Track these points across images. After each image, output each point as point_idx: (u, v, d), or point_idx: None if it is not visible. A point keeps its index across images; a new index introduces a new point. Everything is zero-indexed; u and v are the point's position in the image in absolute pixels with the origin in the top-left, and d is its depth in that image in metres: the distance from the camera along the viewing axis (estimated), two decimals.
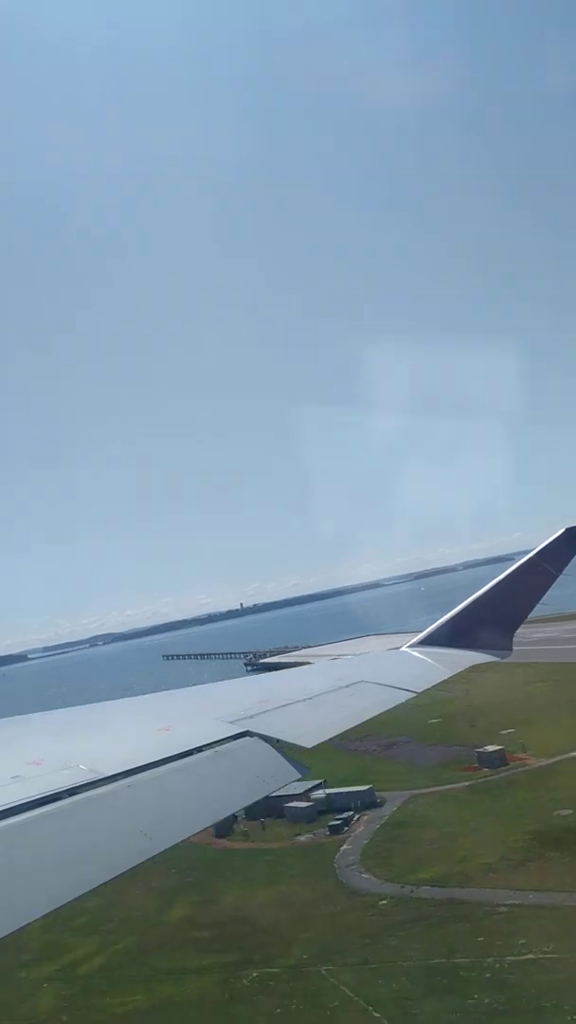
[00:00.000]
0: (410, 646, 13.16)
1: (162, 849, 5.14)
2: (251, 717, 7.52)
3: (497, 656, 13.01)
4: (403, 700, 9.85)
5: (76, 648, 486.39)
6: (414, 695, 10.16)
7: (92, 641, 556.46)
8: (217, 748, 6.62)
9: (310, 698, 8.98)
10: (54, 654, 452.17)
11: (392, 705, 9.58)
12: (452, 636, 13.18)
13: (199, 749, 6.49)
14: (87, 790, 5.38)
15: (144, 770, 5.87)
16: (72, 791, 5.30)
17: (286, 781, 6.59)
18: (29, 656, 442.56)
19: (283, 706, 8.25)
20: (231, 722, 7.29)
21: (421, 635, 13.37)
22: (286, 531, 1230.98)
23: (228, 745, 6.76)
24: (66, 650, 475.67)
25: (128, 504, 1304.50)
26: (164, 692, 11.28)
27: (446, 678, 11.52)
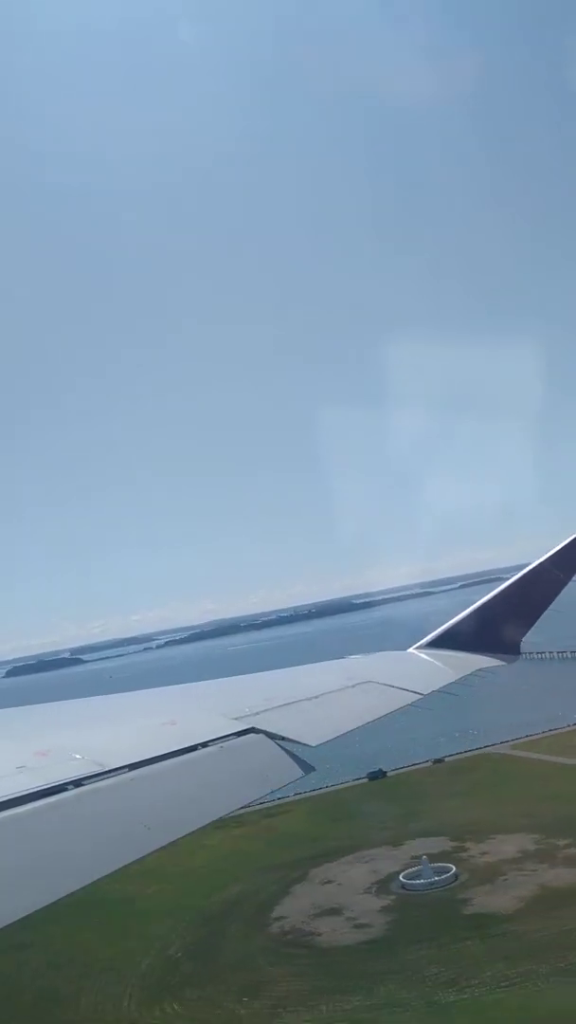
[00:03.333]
0: (417, 647, 13.13)
1: (164, 843, 5.14)
2: (257, 714, 7.46)
3: (505, 661, 12.93)
4: (409, 701, 9.74)
5: (125, 651, 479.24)
6: (421, 696, 10.03)
7: (140, 641, 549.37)
8: (222, 744, 6.57)
9: (316, 696, 8.86)
10: (107, 657, 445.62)
11: (399, 706, 9.46)
12: (460, 639, 13.15)
13: (204, 744, 6.44)
14: (91, 782, 5.35)
15: (148, 764, 5.82)
16: (76, 783, 5.28)
17: (290, 779, 6.50)
18: (83, 659, 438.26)
19: (289, 704, 8.20)
20: (236, 718, 7.24)
21: (429, 637, 13.30)
22: (286, 539, 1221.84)
23: (233, 741, 6.70)
24: (116, 653, 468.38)
25: (125, 510, 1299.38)
26: (171, 687, 10.82)
27: (453, 680, 11.43)
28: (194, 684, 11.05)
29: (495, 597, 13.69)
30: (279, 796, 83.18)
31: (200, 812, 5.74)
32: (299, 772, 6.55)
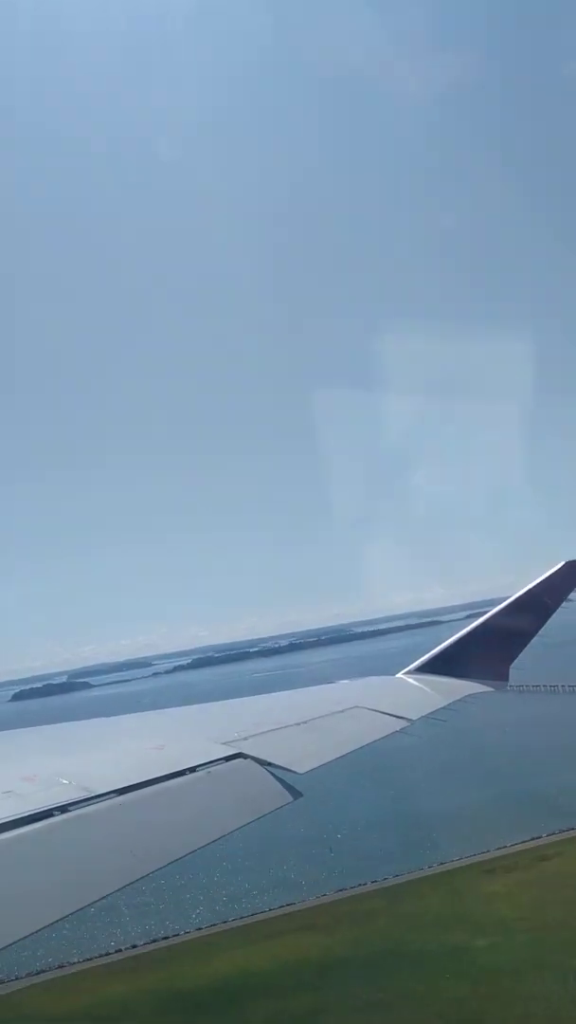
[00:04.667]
0: (406, 673, 13.34)
1: (150, 871, 5.15)
2: (245, 739, 7.54)
3: (493, 687, 13.14)
4: (398, 727, 9.82)
5: (134, 676, 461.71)
6: (409, 722, 10.12)
7: (136, 666, 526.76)
8: (210, 769, 6.61)
9: (305, 722, 8.96)
10: (119, 681, 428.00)
11: (387, 732, 9.54)
12: (449, 665, 13.36)
13: (192, 770, 6.49)
14: (78, 808, 5.38)
15: (136, 789, 5.86)
16: (63, 808, 5.31)
17: (278, 805, 6.50)
18: (91, 683, 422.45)
19: (277, 729, 8.28)
20: (225, 743, 7.30)
21: (418, 662, 13.52)
22: (272, 566, 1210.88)
23: (221, 767, 6.74)
24: (120, 677, 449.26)
25: (107, 536, 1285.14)
26: (159, 711, 11.09)
27: (442, 706, 11.56)
28: (182, 708, 11.15)
29: (484, 624, 13.98)
30: (538, 834, 73.60)
31: (187, 839, 5.71)
32: (288, 798, 6.55)
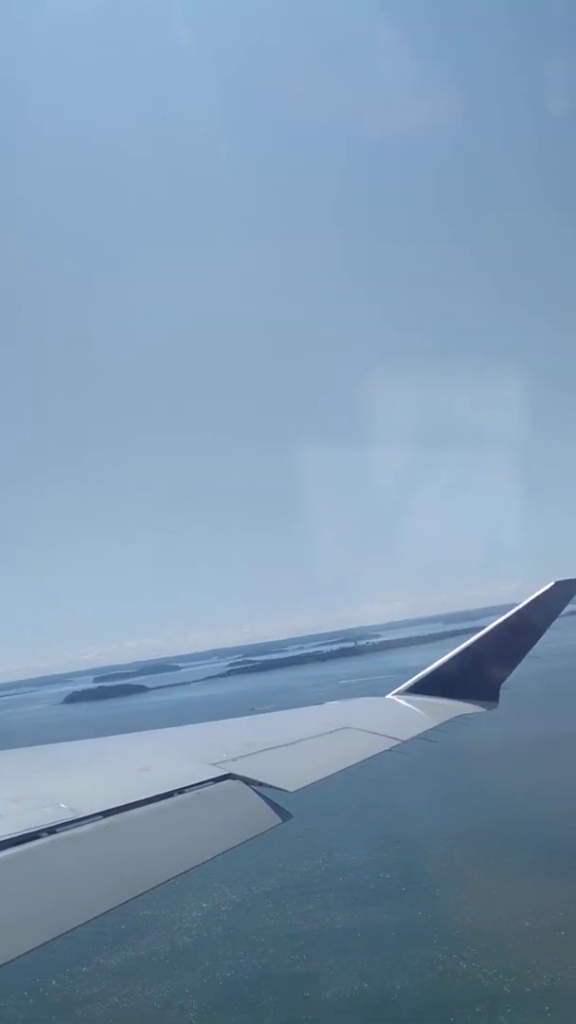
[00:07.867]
0: (396, 694, 13.15)
1: (138, 893, 5.00)
2: (234, 760, 7.43)
3: (483, 708, 12.90)
4: (387, 747, 9.72)
5: (170, 679, 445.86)
6: (399, 742, 9.99)
7: (158, 669, 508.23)
8: (199, 790, 6.47)
9: (294, 742, 8.89)
10: (168, 684, 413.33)
11: (376, 752, 9.43)
12: (439, 685, 13.16)
13: (180, 791, 6.35)
14: (65, 829, 5.27)
15: (124, 811, 5.75)
16: (50, 830, 5.20)
17: (268, 827, 6.35)
18: (147, 687, 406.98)
19: (267, 749, 8.16)
20: (214, 764, 7.17)
21: (408, 683, 13.30)
22: (266, 571, 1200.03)
23: (210, 788, 6.60)
24: (158, 682, 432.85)
25: (121, 536, 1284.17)
26: (148, 731, 10.88)
27: (431, 727, 11.35)
28: (171, 729, 10.97)
29: (473, 644, 13.72)
30: None
31: (175, 861, 5.57)
32: (277, 820, 6.39)
